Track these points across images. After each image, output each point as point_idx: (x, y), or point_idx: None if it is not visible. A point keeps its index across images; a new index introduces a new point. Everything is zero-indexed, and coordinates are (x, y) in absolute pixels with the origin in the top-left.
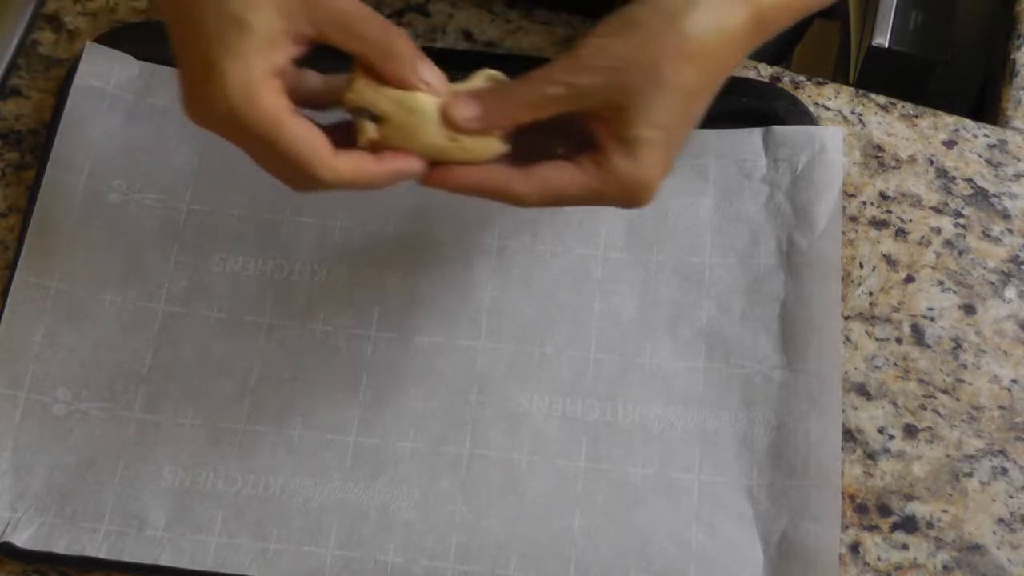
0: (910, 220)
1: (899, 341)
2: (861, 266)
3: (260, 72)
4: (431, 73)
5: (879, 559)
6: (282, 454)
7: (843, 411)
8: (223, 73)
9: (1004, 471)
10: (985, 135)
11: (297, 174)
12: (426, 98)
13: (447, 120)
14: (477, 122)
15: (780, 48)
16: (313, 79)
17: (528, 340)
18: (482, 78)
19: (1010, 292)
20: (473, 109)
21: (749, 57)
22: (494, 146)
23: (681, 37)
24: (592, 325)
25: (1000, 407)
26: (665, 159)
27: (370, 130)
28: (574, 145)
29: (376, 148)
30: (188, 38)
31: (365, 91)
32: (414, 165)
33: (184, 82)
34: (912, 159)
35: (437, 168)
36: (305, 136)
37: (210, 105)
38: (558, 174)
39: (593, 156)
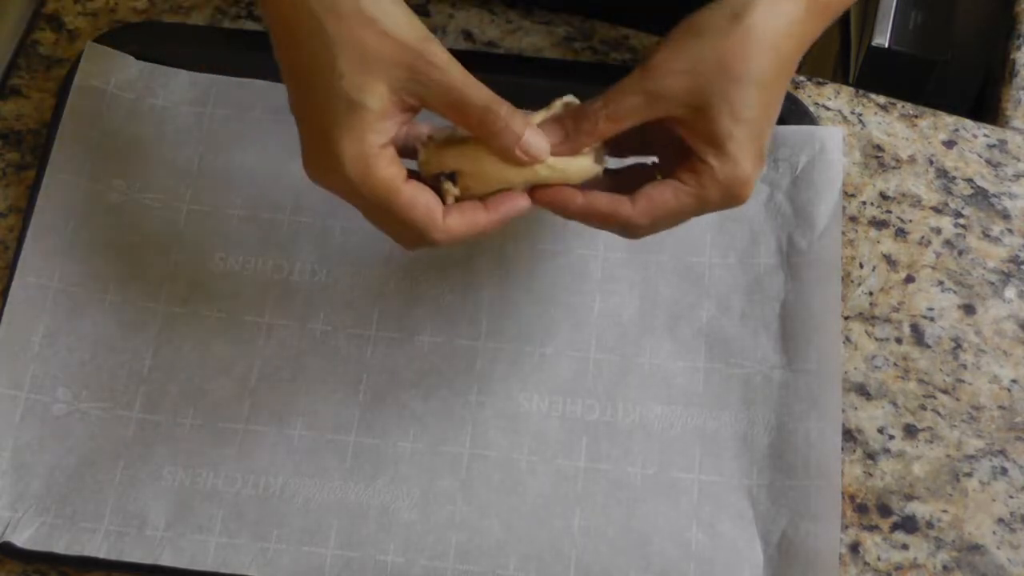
0: (910, 220)
1: (899, 341)
2: (861, 266)
3: (374, 146)
4: (536, 141)
5: (879, 559)
6: (282, 454)
7: (843, 411)
8: (340, 148)
9: (1004, 471)
10: (985, 135)
11: (413, 237)
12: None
13: (528, 157)
14: (561, 145)
15: None
16: (423, 131)
17: (528, 340)
18: (561, 105)
19: (1010, 292)
20: (556, 134)
21: None
22: (587, 165)
23: (746, 30)
24: (592, 325)
25: (1000, 407)
26: (755, 152)
27: (451, 188)
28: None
29: (462, 201)
30: (307, 109)
31: (431, 160)
32: (519, 203)
33: (305, 147)
34: (912, 159)
35: (544, 189)
36: (417, 202)
37: (329, 173)
38: (659, 191)
39: (687, 165)
